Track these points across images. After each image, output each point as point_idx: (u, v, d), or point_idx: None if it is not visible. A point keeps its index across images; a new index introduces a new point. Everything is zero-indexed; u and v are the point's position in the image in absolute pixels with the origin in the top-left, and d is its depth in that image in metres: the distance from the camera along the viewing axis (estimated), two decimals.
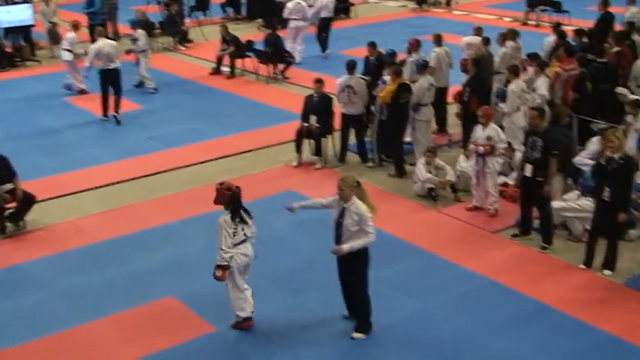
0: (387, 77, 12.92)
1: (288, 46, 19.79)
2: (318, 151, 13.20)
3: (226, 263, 8.23)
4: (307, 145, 13.27)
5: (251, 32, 23.22)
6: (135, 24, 18.57)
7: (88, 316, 8.86)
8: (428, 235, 10.69)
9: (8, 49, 21.21)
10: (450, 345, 8.22)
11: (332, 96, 13.34)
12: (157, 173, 13.05)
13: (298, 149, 13.18)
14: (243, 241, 8.36)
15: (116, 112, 15.69)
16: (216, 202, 8.40)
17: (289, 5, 20.51)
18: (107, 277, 9.77)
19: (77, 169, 13.01)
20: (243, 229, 8.34)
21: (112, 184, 12.67)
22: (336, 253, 8.04)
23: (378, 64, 14.17)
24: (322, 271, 9.65)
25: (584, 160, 11.02)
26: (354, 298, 8.38)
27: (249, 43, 19.60)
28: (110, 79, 15.65)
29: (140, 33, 17.81)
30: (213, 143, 14.47)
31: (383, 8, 27.23)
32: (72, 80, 17.76)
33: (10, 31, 21.34)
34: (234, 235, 8.24)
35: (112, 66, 15.58)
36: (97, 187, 12.49)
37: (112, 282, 9.64)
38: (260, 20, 25.20)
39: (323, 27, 21.18)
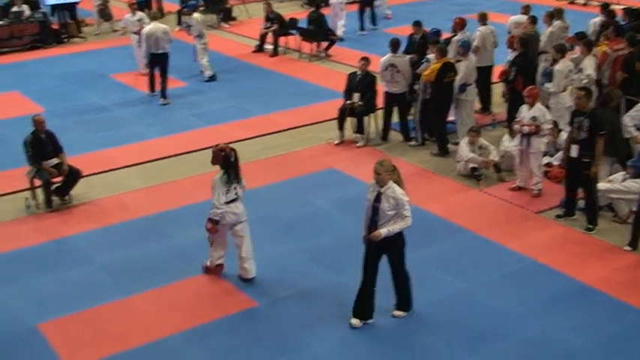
0: (431, 56, 12.81)
1: (332, 23, 19.74)
2: (360, 129, 13.16)
3: (217, 218, 8.78)
4: (350, 123, 13.23)
5: (294, 10, 23.20)
6: (190, 7, 17.85)
7: (130, 289, 8.98)
8: (470, 215, 10.61)
9: (55, 26, 21.49)
10: (491, 325, 8.17)
11: (375, 74, 13.26)
12: (200, 150, 13.10)
13: (340, 127, 13.15)
14: (234, 200, 8.86)
15: (162, 96, 15.73)
16: (213, 162, 9.01)
17: None
18: (150, 251, 9.88)
19: (121, 145, 13.15)
20: (235, 189, 8.87)
21: (156, 160, 12.78)
22: (373, 239, 7.82)
23: (422, 42, 14.05)
24: (362, 250, 9.66)
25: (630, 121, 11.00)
26: (395, 277, 8.28)
27: (293, 20, 19.58)
28: (157, 63, 15.72)
29: (194, 18, 16.98)
30: (255, 121, 14.51)
31: None
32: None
33: (57, 9, 21.60)
34: (226, 193, 8.78)
35: (160, 51, 15.57)
36: (140, 163, 12.62)
37: (154, 257, 9.74)
38: None
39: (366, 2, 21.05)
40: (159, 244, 10.06)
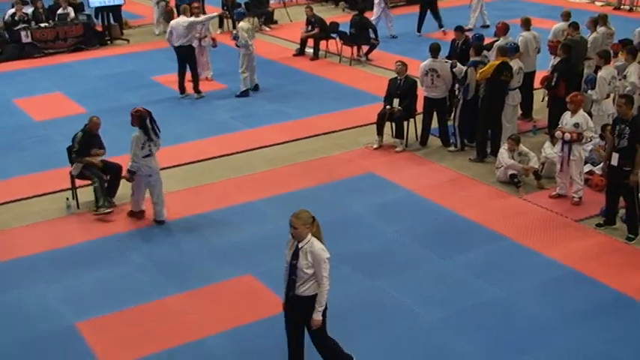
0: (475, 58, 12.71)
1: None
2: (399, 134, 13.11)
3: (134, 170, 10.41)
4: (388, 127, 13.19)
5: (336, 14, 23.21)
6: (238, 15, 17.04)
7: (168, 290, 9.04)
8: (509, 222, 10.51)
9: (98, 28, 21.76)
10: (525, 333, 8.07)
11: (416, 79, 13.21)
12: (239, 152, 13.19)
13: (379, 132, 13.12)
14: (149, 155, 10.46)
15: (195, 90, 15.90)
16: (133, 123, 10.49)
17: None
18: (187, 253, 9.94)
19: (162, 147, 13.21)
20: (149, 146, 10.45)
21: (195, 162, 12.87)
22: (314, 326, 6.97)
23: (464, 48, 13.95)
24: (400, 256, 9.65)
25: None
26: (318, 350, 7.24)
27: (334, 24, 19.58)
28: (181, 56, 15.86)
29: (240, 27, 16.23)
30: (294, 124, 14.54)
31: None
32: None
33: (101, 10, 21.87)
34: (142, 149, 10.35)
35: (184, 43, 15.73)
36: (180, 165, 12.71)
37: (192, 258, 9.80)
38: (343, 2, 25.15)
39: (428, 4, 20.99)
40: (197, 245, 10.12)
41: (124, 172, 10.77)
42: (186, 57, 15.92)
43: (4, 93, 17.10)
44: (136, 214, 10.88)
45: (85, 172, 11.10)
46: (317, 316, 6.89)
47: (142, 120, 10.49)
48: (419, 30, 20.92)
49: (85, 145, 11.07)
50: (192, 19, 16.01)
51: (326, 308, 7.02)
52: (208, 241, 10.21)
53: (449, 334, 8.10)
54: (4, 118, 15.38)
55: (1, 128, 14.78)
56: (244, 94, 16.32)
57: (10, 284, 9.28)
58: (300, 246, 6.80)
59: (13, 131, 14.62)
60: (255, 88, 16.61)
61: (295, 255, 6.82)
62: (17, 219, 10.97)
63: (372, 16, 20.22)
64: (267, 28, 22.70)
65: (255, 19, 22.76)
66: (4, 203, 11.48)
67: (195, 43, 16.43)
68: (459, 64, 12.74)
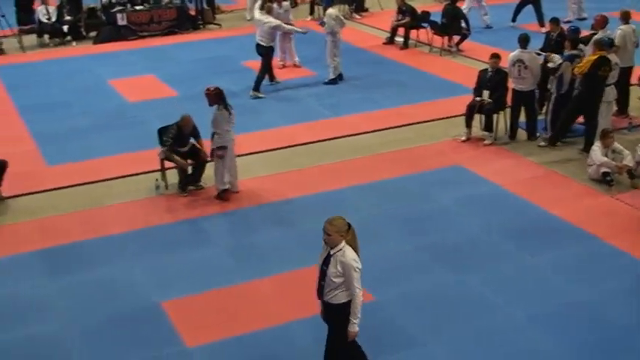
0: (571, 52, 12.41)
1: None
2: (488, 127, 12.90)
3: (225, 145, 10.76)
4: (477, 119, 13.00)
5: (427, 3, 22.98)
6: (326, 2, 17.02)
7: (252, 274, 9.13)
8: (599, 222, 10.22)
9: (192, 12, 22.10)
10: (613, 337, 7.85)
11: (507, 71, 12.97)
12: (326, 140, 13.21)
13: (468, 124, 12.94)
14: (229, 130, 10.87)
15: (255, 88, 15.65)
16: (212, 103, 10.81)
17: None
18: (273, 237, 10.02)
19: (249, 132, 13.36)
20: (230, 120, 10.81)
21: (282, 148, 12.95)
22: (350, 338, 6.76)
23: (559, 40, 13.63)
24: (486, 251, 9.52)
25: None
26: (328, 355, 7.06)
27: (425, 13, 19.39)
28: (258, 53, 15.83)
29: (328, 14, 16.28)
30: (383, 113, 14.47)
31: None
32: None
33: None
34: (228, 124, 10.77)
35: (258, 41, 15.70)
36: (267, 150, 12.81)
37: (277, 243, 9.87)
38: None
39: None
40: (281, 231, 10.20)
41: (215, 152, 10.90)
42: (260, 55, 15.81)
43: (99, 74, 17.56)
44: (223, 195, 11.05)
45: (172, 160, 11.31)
46: (352, 328, 6.67)
47: (221, 96, 10.84)
48: (514, 20, 20.52)
49: (178, 139, 11.20)
50: (279, 22, 15.86)
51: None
52: (293, 227, 10.27)
53: (532, 333, 7.94)
54: (100, 99, 15.80)
55: (97, 109, 15.19)
56: (332, 81, 16.27)
57: (100, 261, 9.54)
58: (332, 252, 6.57)
59: (107, 112, 15.01)
60: (340, 77, 16.53)
61: (326, 261, 6.62)
62: (109, 197, 11.27)
63: (463, 5, 19.92)
64: (358, 16, 22.65)
65: (345, 7, 22.74)
66: (97, 181, 11.79)
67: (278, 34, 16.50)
68: (555, 55, 12.44)
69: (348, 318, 6.65)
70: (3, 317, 8.42)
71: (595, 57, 11.87)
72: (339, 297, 6.63)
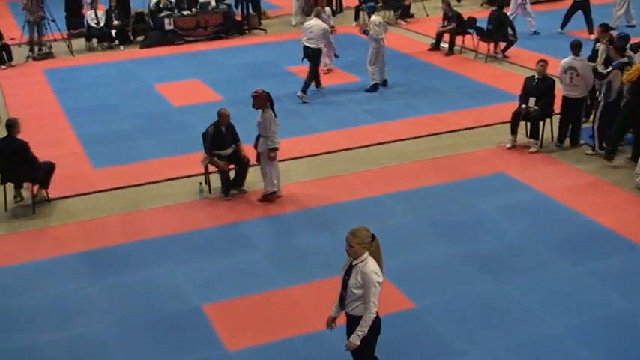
0: (621, 60, 12.20)
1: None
2: (533, 134, 12.76)
3: (277, 146, 10.78)
4: (523, 127, 12.85)
5: (473, 9, 22.83)
6: (369, 9, 16.78)
7: (292, 279, 9.14)
8: None
9: (237, 18, 22.24)
10: None
11: (554, 78, 12.80)
12: (368, 146, 13.17)
13: (513, 131, 12.80)
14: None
15: (303, 90, 15.73)
16: (258, 106, 10.79)
17: None
18: (314, 243, 10.01)
19: (292, 137, 13.38)
20: (277, 122, 10.80)
21: (324, 153, 12.95)
22: (349, 349, 6.65)
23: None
24: (527, 259, 9.40)
25: None
26: None
27: (471, 20, 19.25)
28: (306, 56, 15.89)
29: (372, 21, 16.06)
30: (426, 119, 14.39)
31: None
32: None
33: (241, 1, 22.34)
34: (276, 125, 10.77)
35: (307, 44, 15.77)
36: (309, 156, 12.82)
37: (318, 249, 9.86)
38: None
39: (580, 4, 20.24)
40: (322, 236, 10.18)
41: (269, 154, 10.89)
42: (309, 58, 15.92)
43: (146, 78, 17.76)
44: (269, 198, 11.09)
45: (213, 164, 11.37)
46: (354, 340, 6.49)
47: (269, 99, 10.81)
48: (563, 27, 20.25)
49: (217, 139, 11.25)
50: (328, 27, 16.08)
51: (378, 332, 6.67)
52: (333, 233, 10.23)
53: (574, 344, 7.80)
54: (146, 102, 15.98)
55: (143, 112, 15.37)
56: (373, 88, 16.21)
57: (142, 263, 9.63)
58: (354, 263, 6.44)
59: (153, 115, 15.17)
60: (384, 83, 16.45)
61: (349, 271, 6.50)
62: (152, 200, 11.37)
63: (508, 11, 19.73)
64: (403, 22, 22.58)
65: (391, 13, 22.70)
66: (141, 185, 11.92)
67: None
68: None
69: (372, 332, 6.54)
70: (46, 318, 8.53)
71: None
72: (359, 309, 6.51)
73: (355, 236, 6.39)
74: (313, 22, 15.89)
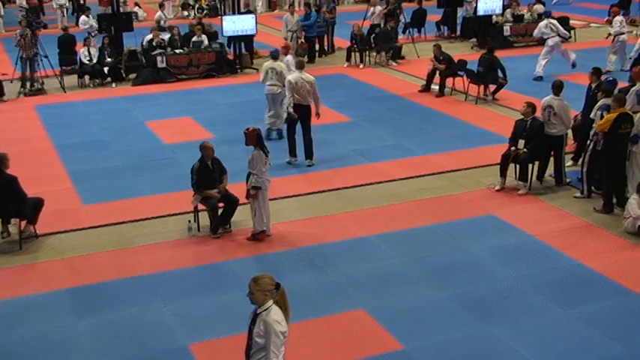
0: (601, 103, 12.33)
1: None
2: (522, 177, 12.81)
3: (260, 185, 10.78)
4: (512, 169, 12.91)
5: (465, 51, 23.05)
6: (273, 53, 15.87)
7: None
8: (635, 275, 10.02)
9: (230, 57, 22.38)
10: None
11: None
12: (358, 186, 13.19)
13: (502, 173, 12.86)
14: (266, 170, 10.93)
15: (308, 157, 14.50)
16: (248, 143, 10.93)
17: (541, 25, 21.12)
18: (302, 283, 9.95)
19: (283, 176, 13.40)
20: (267, 162, 10.87)
21: (315, 192, 12.96)
22: None
23: (596, 92, 13.52)
24: (518, 302, 9.38)
25: None
26: None
27: (462, 62, 19.42)
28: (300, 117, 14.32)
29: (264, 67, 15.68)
30: (415, 160, 14.44)
31: (605, 33, 26.01)
32: None
33: (233, 40, 22.50)
34: (264, 165, 10.79)
35: (306, 103, 14.18)
36: (298, 195, 12.82)
37: (306, 289, 9.80)
38: (474, 40, 24.99)
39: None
40: (310, 276, 10.15)
41: (249, 192, 10.93)
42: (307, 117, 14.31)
43: (137, 115, 17.81)
44: (258, 237, 11.10)
45: (203, 203, 11.36)
46: None
47: (259, 138, 10.97)
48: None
49: (204, 174, 11.26)
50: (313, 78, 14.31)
51: None
52: (322, 273, 10.22)
53: None
54: (136, 140, 16.00)
55: (133, 149, 15.38)
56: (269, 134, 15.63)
57: (129, 301, 9.56)
58: (258, 312, 6.20)
59: (143, 152, 15.19)
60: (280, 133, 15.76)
61: (253, 320, 6.26)
62: (141, 237, 11.33)
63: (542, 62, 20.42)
64: (394, 63, 22.76)
65: (382, 54, 22.85)
66: (130, 221, 11.88)
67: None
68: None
69: None
70: (32, 355, 8.45)
71: (615, 115, 11.69)
72: None
73: (257, 283, 6.18)
74: (300, 77, 14.08)
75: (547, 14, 22.31)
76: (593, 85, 13.78)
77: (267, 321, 6.11)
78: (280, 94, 15.35)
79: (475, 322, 8.98)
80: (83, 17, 25.17)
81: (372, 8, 24.71)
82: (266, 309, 6.16)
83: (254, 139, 10.91)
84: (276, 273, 10.08)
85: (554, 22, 21.19)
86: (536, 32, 21.69)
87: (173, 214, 12.04)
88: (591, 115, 12.54)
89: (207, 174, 11.29)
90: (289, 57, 16.88)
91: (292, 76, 14.21)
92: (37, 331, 8.91)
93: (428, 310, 9.25)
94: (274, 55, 15.93)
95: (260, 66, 22.26)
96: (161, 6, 28.44)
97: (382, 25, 23.69)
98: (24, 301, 9.59)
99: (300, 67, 14.32)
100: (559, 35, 20.81)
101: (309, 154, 14.33)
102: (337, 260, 10.55)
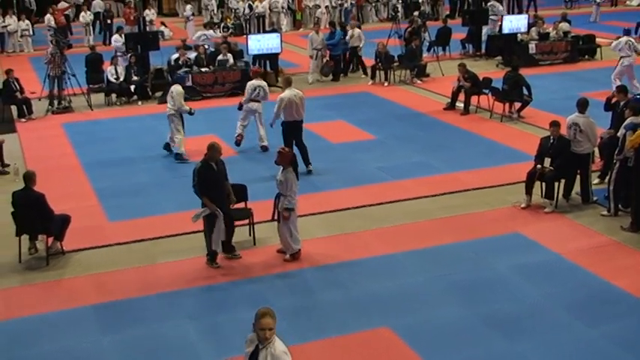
0: (629, 121, 12.24)
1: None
2: (549, 195, 12.73)
3: (293, 207, 10.66)
4: (538, 187, 12.83)
5: (490, 69, 23.00)
6: (179, 79, 16.36)
7: (305, 336, 9.05)
8: None
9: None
10: None
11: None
12: (382, 204, 13.17)
13: (528, 191, 12.78)
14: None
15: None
16: (280, 162, 10.71)
17: (621, 40, 20.31)
18: (326, 300, 9.95)
19: (307, 193, 13.39)
20: (297, 183, 10.72)
21: (338, 210, 12.95)
22: None
23: (624, 110, 13.43)
24: (543, 321, 9.29)
25: None
26: None
27: (487, 80, 19.38)
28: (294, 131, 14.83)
29: (171, 91, 15.99)
30: (440, 178, 14.39)
31: None
32: None
33: (259, 58, 22.62)
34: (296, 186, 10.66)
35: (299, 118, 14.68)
36: (322, 212, 12.82)
37: (331, 306, 9.80)
38: (499, 58, 24.94)
39: None
40: (335, 293, 10.13)
41: (282, 213, 10.77)
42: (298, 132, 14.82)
43: (163, 133, 17.86)
44: (297, 256, 11.02)
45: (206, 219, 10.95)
46: None
47: (293, 159, 10.93)
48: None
49: (209, 176, 10.81)
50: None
51: None
52: (346, 290, 10.20)
53: None
54: (162, 157, 16.09)
55: (159, 166, 15.48)
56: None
57: (154, 317, 9.60)
58: (260, 347, 6.01)
59: (168, 169, 15.28)
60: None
61: (254, 356, 6.08)
62: (164, 254, 11.38)
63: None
64: (419, 81, 22.76)
65: (407, 72, 22.84)
66: (156, 238, 11.94)
67: None
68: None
69: None
70: None
71: None
72: None
73: (274, 318, 6.03)
74: (297, 95, 14.61)
75: (628, 32, 21.19)
76: (622, 103, 13.68)
77: (276, 355, 5.98)
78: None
79: (500, 340, 8.91)
80: (116, 36, 25.42)
81: (350, 31, 24.46)
82: (270, 342, 6.03)
83: (288, 159, 10.79)
84: (301, 290, 10.20)
85: (634, 41, 20.32)
86: (614, 46, 20.52)
87: (198, 231, 12.03)
88: (618, 134, 12.46)
89: (211, 175, 10.87)
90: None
91: (286, 93, 14.52)
92: (63, 347, 8.96)
93: (452, 327, 9.19)
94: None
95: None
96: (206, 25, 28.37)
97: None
98: (50, 317, 9.66)
99: (288, 84, 14.75)
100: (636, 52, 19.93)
101: (307, 161, 14.73)
102: (361, 278, 10.53)
